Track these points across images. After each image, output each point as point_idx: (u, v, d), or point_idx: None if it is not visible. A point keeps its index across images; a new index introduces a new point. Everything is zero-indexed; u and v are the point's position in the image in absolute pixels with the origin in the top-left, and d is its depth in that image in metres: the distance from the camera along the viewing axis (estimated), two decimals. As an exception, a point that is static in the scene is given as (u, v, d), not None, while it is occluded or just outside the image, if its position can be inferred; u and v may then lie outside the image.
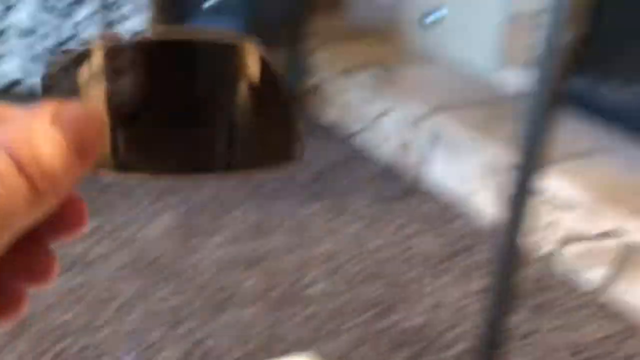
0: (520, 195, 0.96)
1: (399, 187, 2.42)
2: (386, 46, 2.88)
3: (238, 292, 1.80)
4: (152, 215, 2.13)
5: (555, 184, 1.97)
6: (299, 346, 1.65)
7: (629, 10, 2.14)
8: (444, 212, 2.26)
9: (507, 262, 1.00)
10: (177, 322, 1.68)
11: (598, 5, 2.09)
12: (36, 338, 1.58)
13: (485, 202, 2.21)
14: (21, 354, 1.53)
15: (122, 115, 0.28)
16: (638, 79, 2.17)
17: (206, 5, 2.67)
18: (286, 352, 1.60)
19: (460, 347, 1.70)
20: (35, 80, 2.40)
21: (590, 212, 1.92)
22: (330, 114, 2.81)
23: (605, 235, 1.90)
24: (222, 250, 1.98)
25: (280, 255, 1.98)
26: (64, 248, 1.89)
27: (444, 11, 2.62)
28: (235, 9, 2.63)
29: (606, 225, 1.87)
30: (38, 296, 1.67)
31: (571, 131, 2.16)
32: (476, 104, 2.53)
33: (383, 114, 2.57)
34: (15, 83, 2.47)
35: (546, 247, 2.02)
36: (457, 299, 1.87)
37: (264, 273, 1.89)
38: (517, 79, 2.46)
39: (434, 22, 2.66)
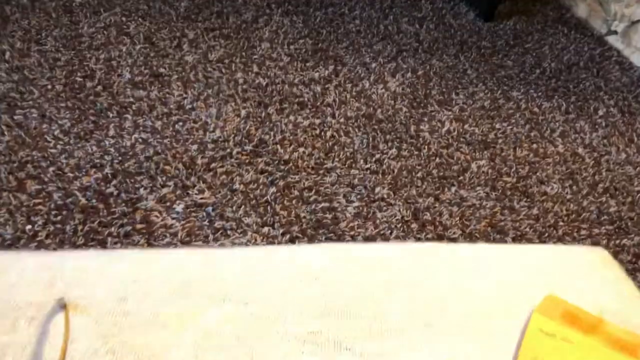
0: None
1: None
2: None
3: (465, 172, 1.72)
4: (384, 74, 2.08)
5: None
6: (517, 240, 1.51)
7: None
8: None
9: None
10: (399, 187, 1.64)
11: None
12: (266, 166, 1.61)
13: None
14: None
15: None
16: None
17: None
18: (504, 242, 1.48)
19: None
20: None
21: None
22: (584, 6, 2.58)
23: None
24: (451, 125, 1.90)
25: (512, 144, 1.86)
26: (299, 87, 1.93)
27: None
28: None
29: None
30: (272, 127, 1.75)
31: None
32: None
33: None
34: None
35: None
36: None
37: (493, 158, 1.78)
38: None
39: None
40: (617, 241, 1.62)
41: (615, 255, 1.58)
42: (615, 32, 2.44)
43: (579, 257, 0.82)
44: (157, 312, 0.67)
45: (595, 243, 1.60)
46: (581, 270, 0.79)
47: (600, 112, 2.08)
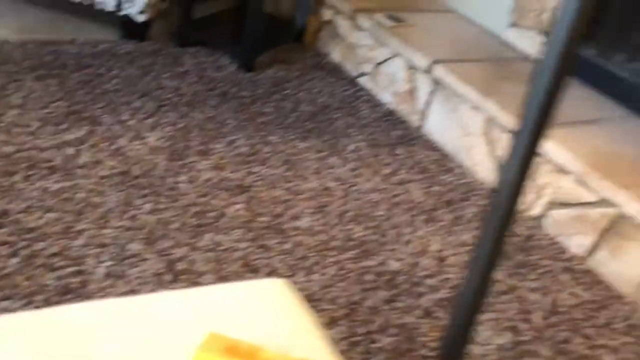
0: (518, 157, 0.92)
1: (397, 133, 2.39)
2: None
3: (221, 217, 1.78)
4: (143, 130, 2.07)
5: (552, 149, 1.96)
6: (276, 277, 1.61)
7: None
8: (439, 163, 2.25)
9: (499, 219, 0.96)
10: (153, 240, 1.64)
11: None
12: (8, 237, 1.53)
13: (481, 157, 2.19)
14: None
15: None
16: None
17: None
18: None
19: (439, 294, 1.67)
20: None
21: (583, 180, 1.89)
22: (338, 52, 2.77)
23: (594, 204, 1.87)
24: (210, 173, 1.94)
25: (268, 186, 1.94)
26: (49, 152, 1.86)
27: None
28: None
29: (596, 194, 1.86)
30: (17, 196, 1.67)
31: (575, 98, 2.19)
32: (482, 59, 2.49)
33: (389, 58, 2.53)
34: None
35: (537, 209, 2.01)
36: (440, 249, 1.84)
37: (249, 201, 1.86)
38: (526, 40, 2.52)
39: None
40: (362, 263, 1.75)
41: (361, 276, 1.71)
42: (365, 74, 2.66)
43: (255, 292, 0.88)
44: None
45: (342, 268, 1.72)
46: (254, 305, 0.85)
47: (351, 147, 2.27)
